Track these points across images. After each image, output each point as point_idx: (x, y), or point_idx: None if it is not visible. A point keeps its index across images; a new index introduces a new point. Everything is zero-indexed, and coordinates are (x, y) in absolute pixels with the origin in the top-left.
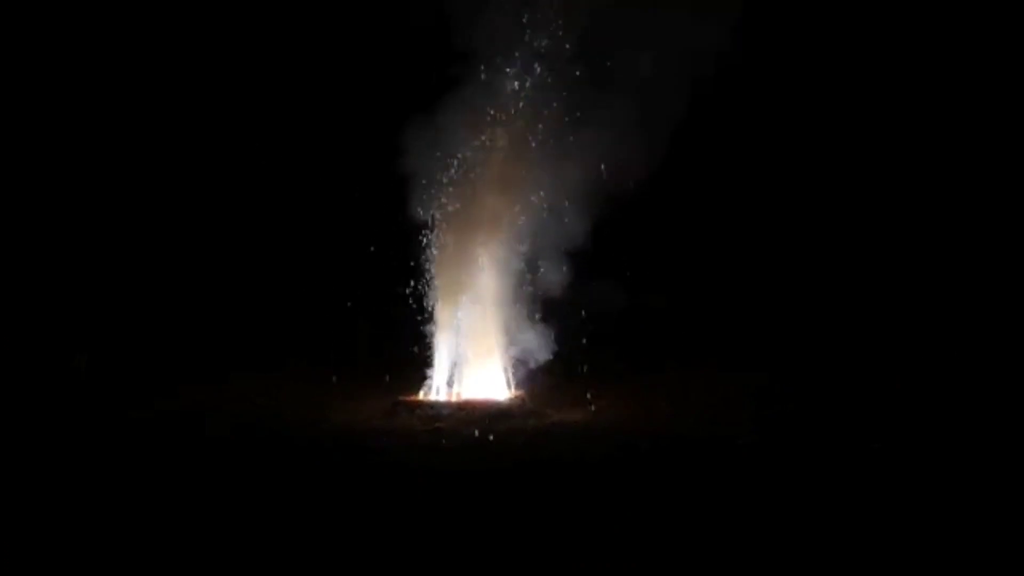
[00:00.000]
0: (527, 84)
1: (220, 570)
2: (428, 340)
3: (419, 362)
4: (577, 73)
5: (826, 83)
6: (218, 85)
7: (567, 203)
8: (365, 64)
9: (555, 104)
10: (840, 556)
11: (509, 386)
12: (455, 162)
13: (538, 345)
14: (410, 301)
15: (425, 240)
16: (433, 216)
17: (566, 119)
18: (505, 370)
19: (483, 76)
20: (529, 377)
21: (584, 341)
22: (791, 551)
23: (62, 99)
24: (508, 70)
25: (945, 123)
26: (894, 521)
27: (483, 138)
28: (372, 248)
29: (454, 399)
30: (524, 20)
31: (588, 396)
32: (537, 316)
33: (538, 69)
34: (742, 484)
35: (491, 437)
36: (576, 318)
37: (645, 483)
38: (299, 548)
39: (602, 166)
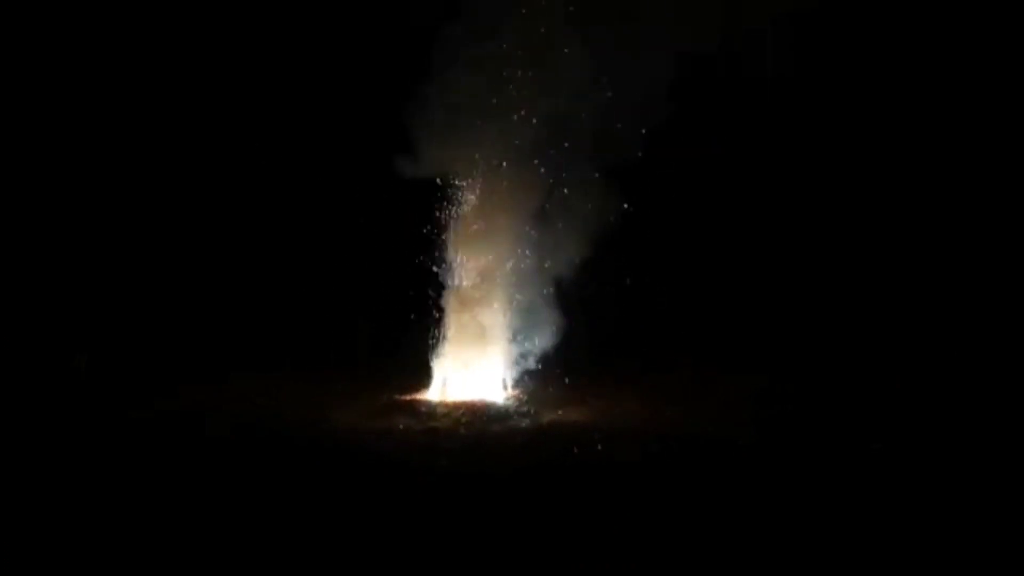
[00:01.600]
0: None
1: (215, 570)
2: (426, 339)
3: (416, 361)
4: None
5: (828, 80)
6: (218, 84)
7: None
8: (363, 60)
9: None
10: (840, 556)
11: (506, 386)
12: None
13: (537, 345)
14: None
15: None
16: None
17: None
18: (502, 370)
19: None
20: (526, 377)
21: (582, 341)
22: (791, 551)
23: (61, 99)
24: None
25: (945, 123)
26: (894, 521)
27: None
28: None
29: (451, 399)
30: None
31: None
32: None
33: None
34: (742, 484)
35: (488, 438)
36: (575, 317)
37: (645, 483)
38: (295, 549)
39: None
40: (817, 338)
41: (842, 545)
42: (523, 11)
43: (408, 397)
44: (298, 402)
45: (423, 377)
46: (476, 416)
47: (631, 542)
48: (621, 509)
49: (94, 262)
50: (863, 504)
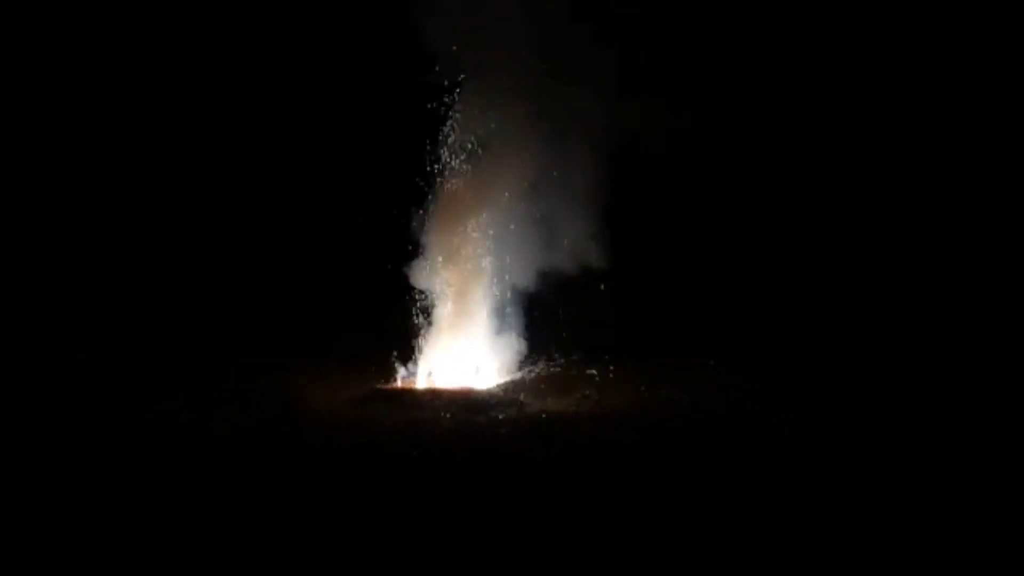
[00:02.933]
0: None
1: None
2: (408, 322)
3: (397, 346)
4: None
5: (827, 77)
6: (208, 79)
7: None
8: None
9: None
10: (844, 558)
11: (493, 373)
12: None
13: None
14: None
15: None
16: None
17: None
18: (490, 356)
19: None
20: (515, 364)
21: (573, 328)
22: (796, 552)
23: (59, 97)
24: None
25: (945, 122)
26: (899, 521)
27: None
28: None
29: (435, 387)
30: None
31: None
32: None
33: None
34: (743, 483)
35: (476, 428)
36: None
37: (642, 481)
38: (279, 549)
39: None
40: (816, 336)
41: (847, 546)
42: None
43: (391, 386)
44: (278, 393)
45: (407, 365)
46: (461, 406)
47: (627, 540)
48: (618, 507)
49: (94, 260)
50: (869, 504)
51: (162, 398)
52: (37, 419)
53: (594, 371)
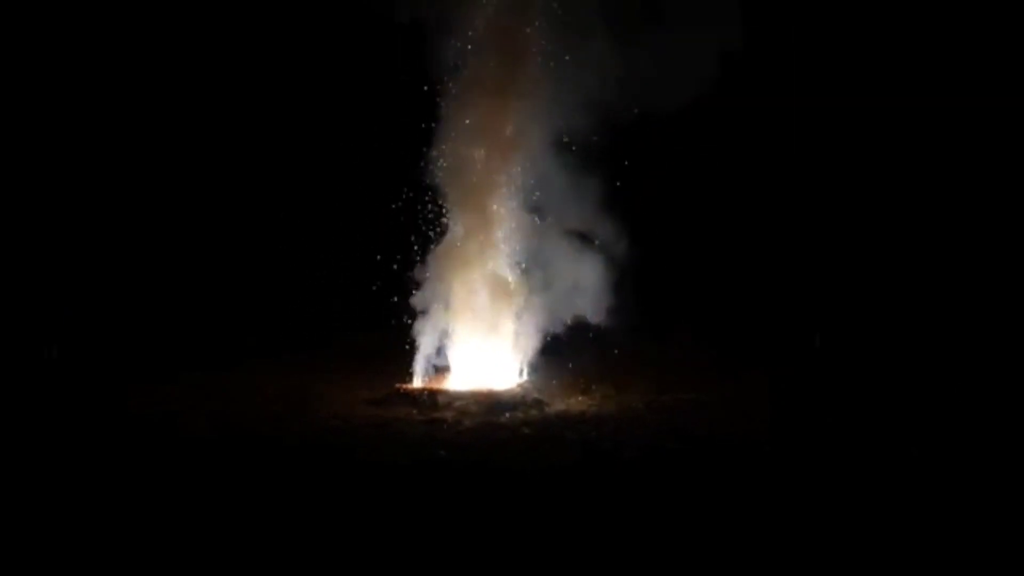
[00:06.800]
0: None
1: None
2: (426, 320)
3: (417, 345)
4: None
5: (825, 75)
6: (215, 81)
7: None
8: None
9: None
10: (846, 557)
11: (513, 372)
12: None
13: (544, 329)
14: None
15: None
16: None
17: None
18: (509, 355)
19: None
20: (534, 363)
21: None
22: (811, 560)
23: (36, 92)
24: None
25: (945, 120)
26: (897, 521)
27: None
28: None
29: (455, 387)
30: None
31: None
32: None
33: None
34: (759, 488)
35: (497, 428)
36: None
37: (654, 483)
38: (289, 553)
39: None
40: (817, 336)
41: (865, 553)
42: None
43: (410, 386)
44: (285, 391)
45: (426, 365)
46: (480, 406)
47: (639, 543)
48: (626, 509)
49: (66, 252)
50: (869, 503)
51: (171, 395)
52: (42, 419)
53: (613, 373)
